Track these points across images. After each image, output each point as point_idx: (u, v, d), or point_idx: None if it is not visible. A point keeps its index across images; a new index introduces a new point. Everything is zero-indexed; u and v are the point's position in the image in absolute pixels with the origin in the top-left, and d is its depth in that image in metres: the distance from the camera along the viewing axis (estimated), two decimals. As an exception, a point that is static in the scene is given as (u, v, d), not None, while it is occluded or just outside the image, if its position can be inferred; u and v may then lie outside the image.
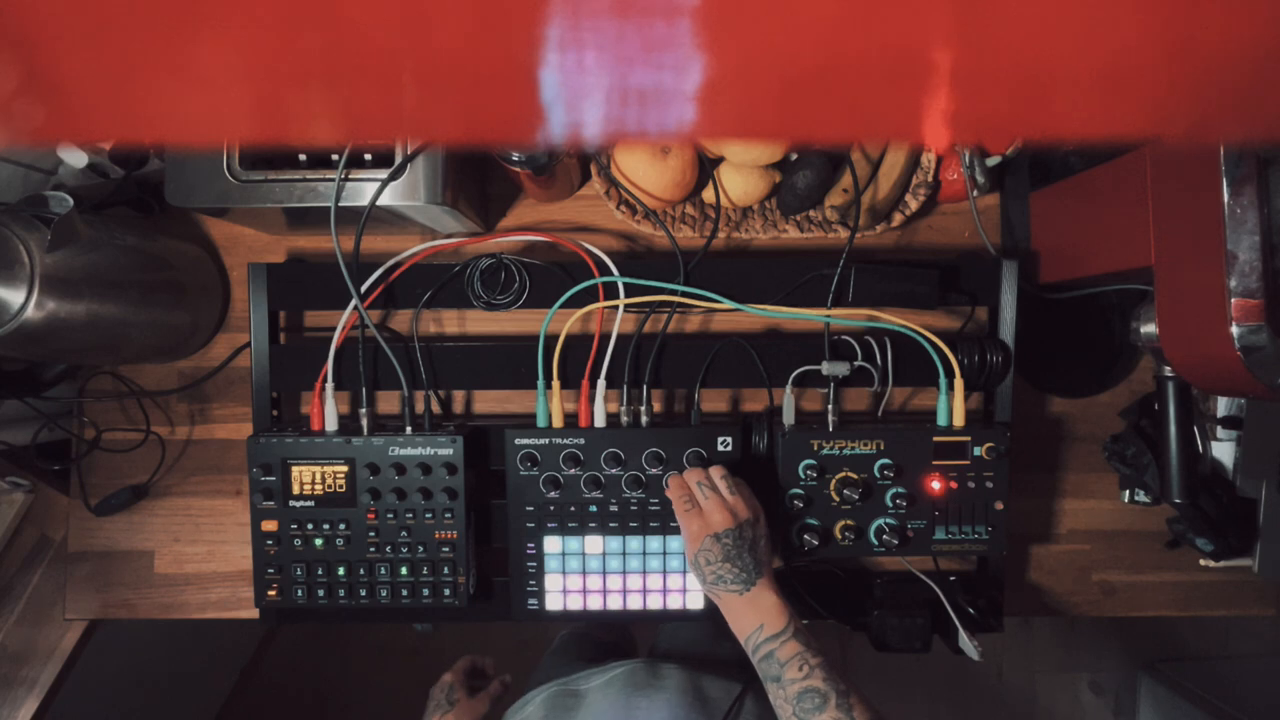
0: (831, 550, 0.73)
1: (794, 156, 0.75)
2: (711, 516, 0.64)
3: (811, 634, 0.60)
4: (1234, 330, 0.54)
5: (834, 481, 0.72)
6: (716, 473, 0.67)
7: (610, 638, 0.97)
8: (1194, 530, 0.77)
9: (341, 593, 0.73)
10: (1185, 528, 0.78)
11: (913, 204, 0.77)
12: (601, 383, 0.75)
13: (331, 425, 0.74)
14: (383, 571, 0.73)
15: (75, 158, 0.72)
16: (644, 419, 0.74)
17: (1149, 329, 0.69)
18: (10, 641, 0.84)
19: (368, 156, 0.66)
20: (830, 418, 0.75)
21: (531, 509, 0.73)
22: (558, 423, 0.74)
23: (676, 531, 0.73)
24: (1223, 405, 0.76)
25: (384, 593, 0.73)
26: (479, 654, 0.84)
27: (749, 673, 0.74)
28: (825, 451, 0.72)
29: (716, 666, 0.73)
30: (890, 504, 0.73)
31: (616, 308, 0.75)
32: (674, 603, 0.74)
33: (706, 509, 0.64)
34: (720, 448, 0.72)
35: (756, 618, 0.60)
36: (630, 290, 0.75)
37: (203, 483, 0.84)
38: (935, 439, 0.72)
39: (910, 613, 0.75)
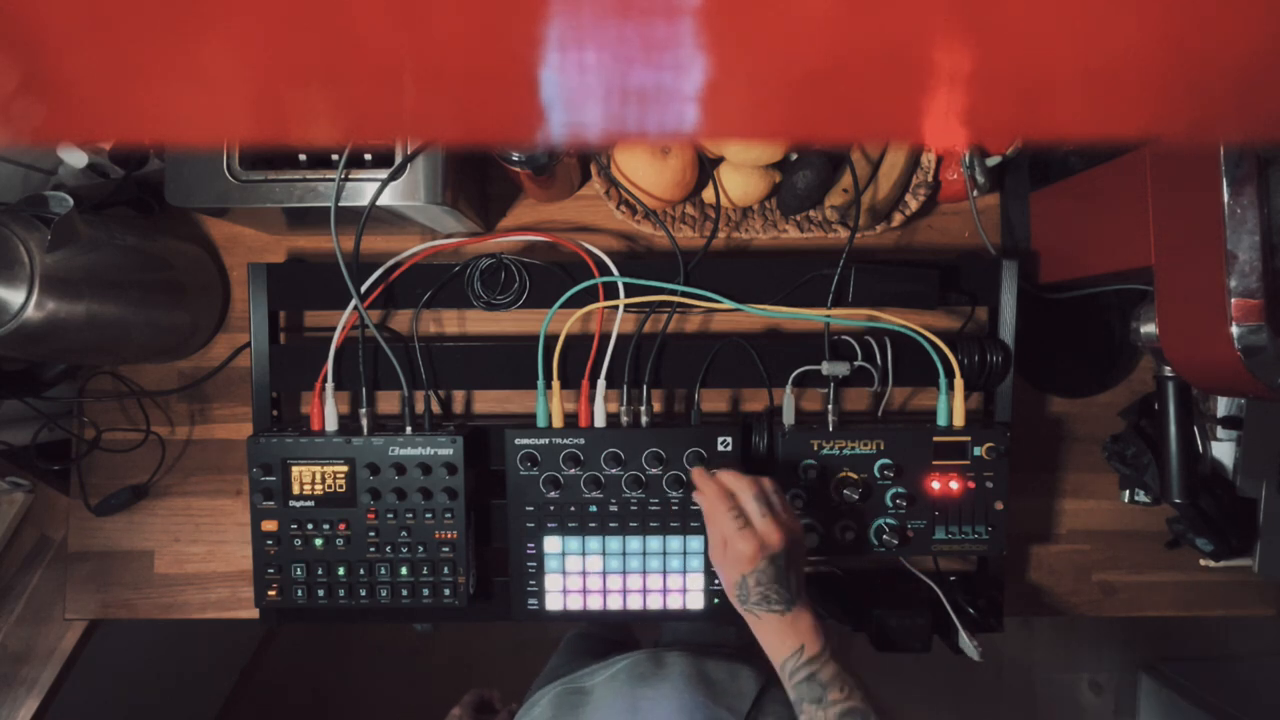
0: (831, 550, 0.73)
1: (794, 156, 0.75)
2: (769, 537, 0.58)
3: (841, 651, 0.58)
4: (1234, 330, 0.54)
5: (834, 481, 0.72)
6: (769, 484, 0.61)
7: (616, 636, 0.97)
8: (1194, 530, 0.77)
9: (341, 593, 0.73)
10: (1185, 528, 0.78)
11: (913, 204, 0.77)
12: (601, 383, 0.75)
13: (331, 425, 0.74)
14: (383, 571, 0.73)
15: (75, 158, 0.72)
16: (644, 419, 0.74)
17: (1149, 329, 0.69)
18: (10, 641, 0.84)
19: (368, 156, 0.66)
20: (830, 418, 0.75)
21: (531, 509, 0.73)
22: (558, 423, 0.74)
23: (677, 531, 0.73)
24: (1223, 405, 0.76)
25: (384, 593, 0.73)
26: (486, 687, 0.83)
27: (756, 660, 0.73)
28: (825, 451, 0.72)
29: (720, 650, 0.73)
30: (890, 504, 0.73)
31: (616, 308, 0.75)
32: (674, 603, 0.74)
33: (763, 529, 0.59)
34: (720, 448, 0.72)
35: (796, 639, 0.57)
36: (630, 290, 0.75)
37: (203, 483, 0.84)
38: (935, 439, 0.72)
39: (910, 613, 0.75)
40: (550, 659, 0.90)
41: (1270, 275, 0.53)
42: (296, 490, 0.72)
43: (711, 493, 0.62)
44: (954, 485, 0.73)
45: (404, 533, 0.72)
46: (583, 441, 0.72)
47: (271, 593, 0.73)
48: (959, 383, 0.74)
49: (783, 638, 0.58)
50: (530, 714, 0.70)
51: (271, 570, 0.73)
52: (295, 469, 0.72)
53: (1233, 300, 0.54)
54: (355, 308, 0.73)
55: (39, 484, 0.87)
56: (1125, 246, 0.66)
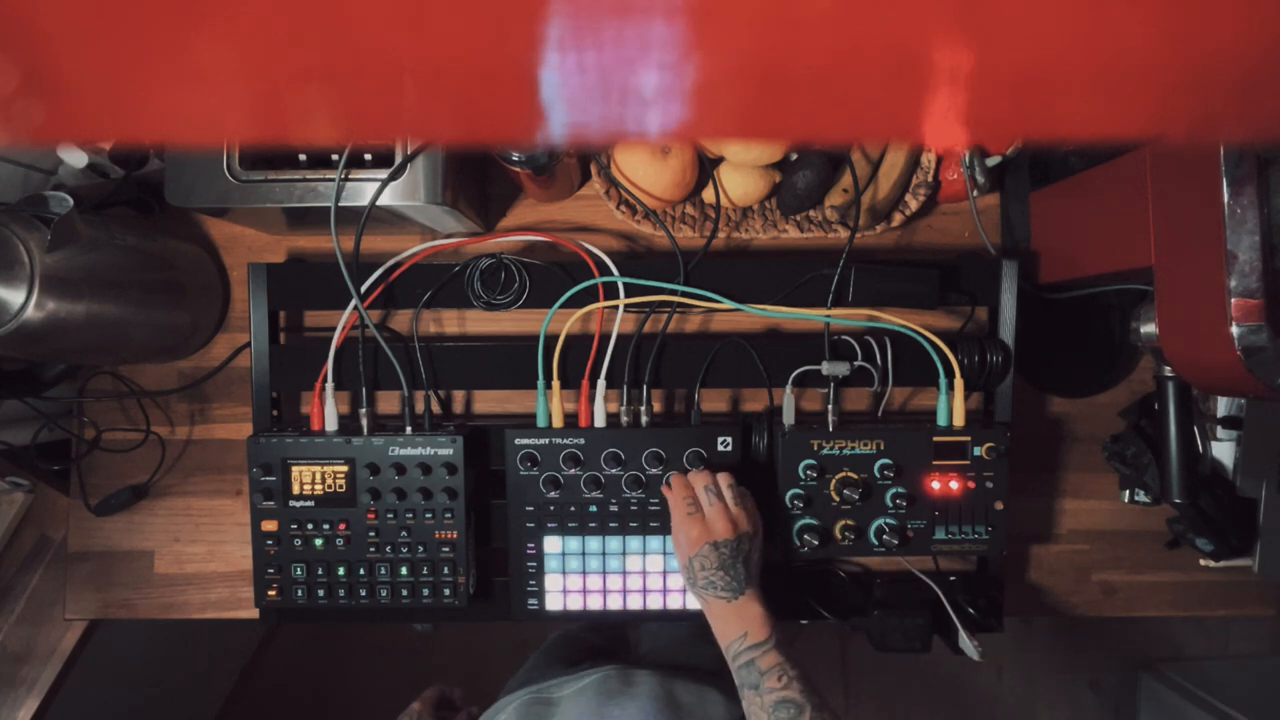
0: (831, 550, 0.73)
1: (794, 156, 0.75)
2: (714, 524, 0.64)
3: (792, 647, 0.61)
4: (1234, 330, 0.54)
5: (834, 481, 0.72)
6: (724, 480, 0.67)
7: (600, 641, 0.97)
8: (1194, 530, 0.77)
9: (341, 593, 0.73)
10: (1185, 528, 0.78)
11: (913, 204, 0.77)
12: (601, 383, 0.75)
13: (331, 425, 0.74)
14: (383, 571, 0.73)
15: (75, 158, 0.72)
16: (644, 419, 0.74)
17: (1149, 329, 0.69)
18: (10, 641, 0.84)
19: (368, 156, 0.66)
20: (830, 418, 0.75)
21: (531, 509, 0.73)
22: (558, 423, 0.74)
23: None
24: (1223, 405, 0.76)
25: (384, 593, 0.73)
26: (449, 683, 0.83)
27: (727, 684, 0.74)
28: (825, 451, 0.72)
29: (691, 672, 0.73)
30: (890, 504, 0.73)
31: (616, 308, 0.75)
32: (674, 603, 0.74)
33: (710, 515, 0.64)
34: (720, 448, 0.72)
35: (740, 626, 0.61)
36: (630, 290, 0.75)
37: (203, 483, 0.84)
38: (935, 439, 0.72)
39: (910, 613, 0.75)
40: (529, 658, 0.90)
41: (1270, 275, 0.53)
42: (296, 490, 0.72)
43: (676, 484, 0.68)
44: (954, 485, 0.73)
45: (404, 533, 0.72)
46: (583, 441, 0.72)
47: (271, 593, 0.73)
48: (959, 383, 0.74)
49: (728, 623, 0.62)
50: None
51: (271, 570, 0.73)
52: (295, 469, 0.72)
53: (1233, 300, 0.54)
54: (355, 308, 0.73)
55: (39, 484, 0.87)
56: (1125, 246, 0.66)
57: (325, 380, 0.74)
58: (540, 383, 0.75)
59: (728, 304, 0.75)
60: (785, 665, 0.58)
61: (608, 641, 0.98)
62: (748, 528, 0.64)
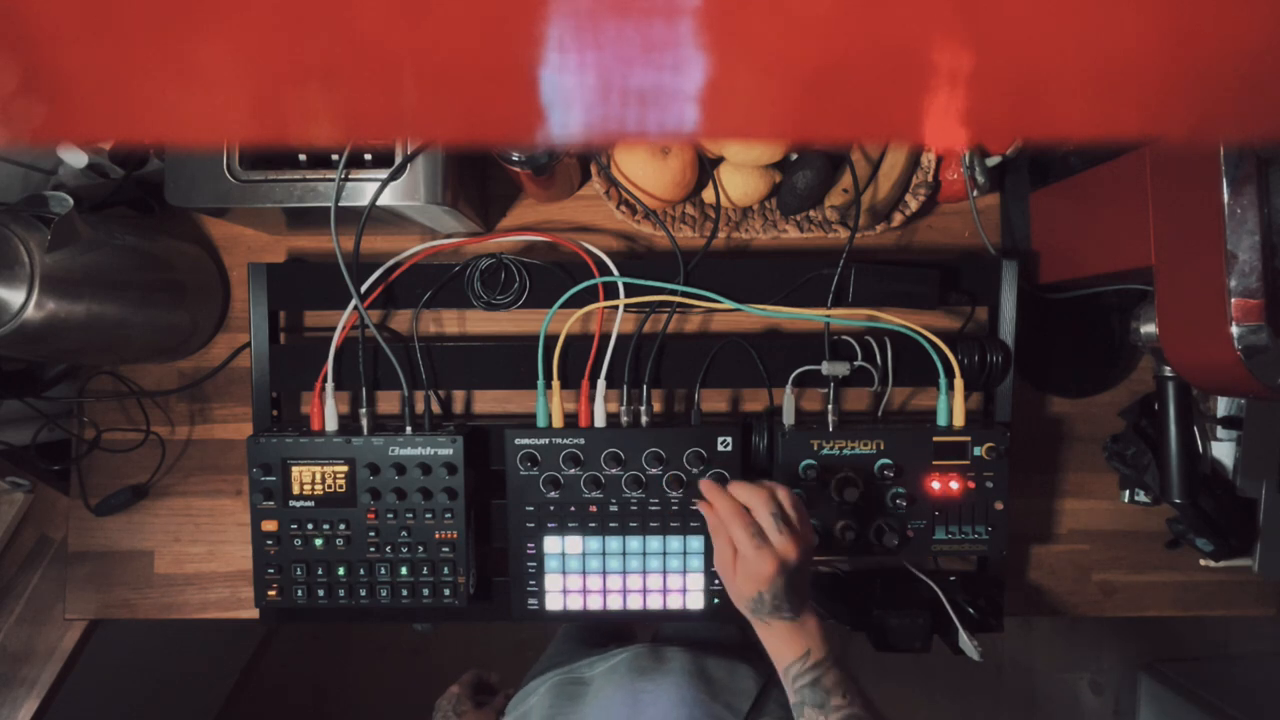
0: (831, 550, 0.73)
1: (794, 156, 0.75)
2: (786, 552, 0.56)
3: (844, 654, 0.58)
4: (1234, 330, 0.54)
5: (834, 481, 0.72)
6: (787, 499, 0.58)
7: (611, 626, 0.98)
8: (1194, 530, 0.77)
9: (341, 593, 0.73)
10: (1185, 528, 0.78)
11: (913, 204, 0.77)
12: (601, 383, 0.75)
13: (331, 425, 0.74)
14: (383, 571, 0.73)
15: (75, 158, 0.72)
16: (644, 419, 0.74)
17: (1149, 329, 0.69)
18: (10, 641, 0.84)
19: (368, 156, 0.66)
20: (830, 418, 0.75)
21: (531, 509, 0.73)
22: (558, 423, 0.74)
23: (677, 532, 0.73)
24: (1223, 405, 0.76)
25: (384, 593, 0.73)
26: (485, 668, 0.84)
27: (758, 659, 0.73)
28: (825, 451, 0.72)
29: (721, 647, 0.73)
30: (890, 504, 0.73)
31: (616, 308, 0.75)
32: (674, 603, 0.74)
33: (779, 545, 0.56)
34: (720, 448, 0.72)
35: (804, 643, 0.57)
36: (630, 290, 0.75)
37: (203, 483, 0.84)
38: (935, 439, 0.72)
39: (910, 613, 0.75)
40: (549, 646, 0.90)
41: (1270, 275, 0.53)
42: (296, 490, 0.72)
43: (726, 509, 0.58)
44: (954, 485, 0.73)
45: (404, 533, 0.72)
46: (583, 441, 0.72)
47: (271, 593, 0.73)
48: (959, 383, 0.74)
49: (790, 643, 0.57)
50: (527, 702, 0.70)
51: (271, 570, 0.73)
52: (295, 469, 0.72)
53: (1233, 300, 0.54)
54: (355, 308, 0.73)
55: (39, 484, 0.86)
56: (1125, 246, 0.66)
57: (325, 380, 0.74)
58: (540, 383, 0.75)
59: (728, 304, 0.75)
60: (847, 681, 0.55)
61: (621, 628, 0.99)
62: (813, 540, 0.59)
